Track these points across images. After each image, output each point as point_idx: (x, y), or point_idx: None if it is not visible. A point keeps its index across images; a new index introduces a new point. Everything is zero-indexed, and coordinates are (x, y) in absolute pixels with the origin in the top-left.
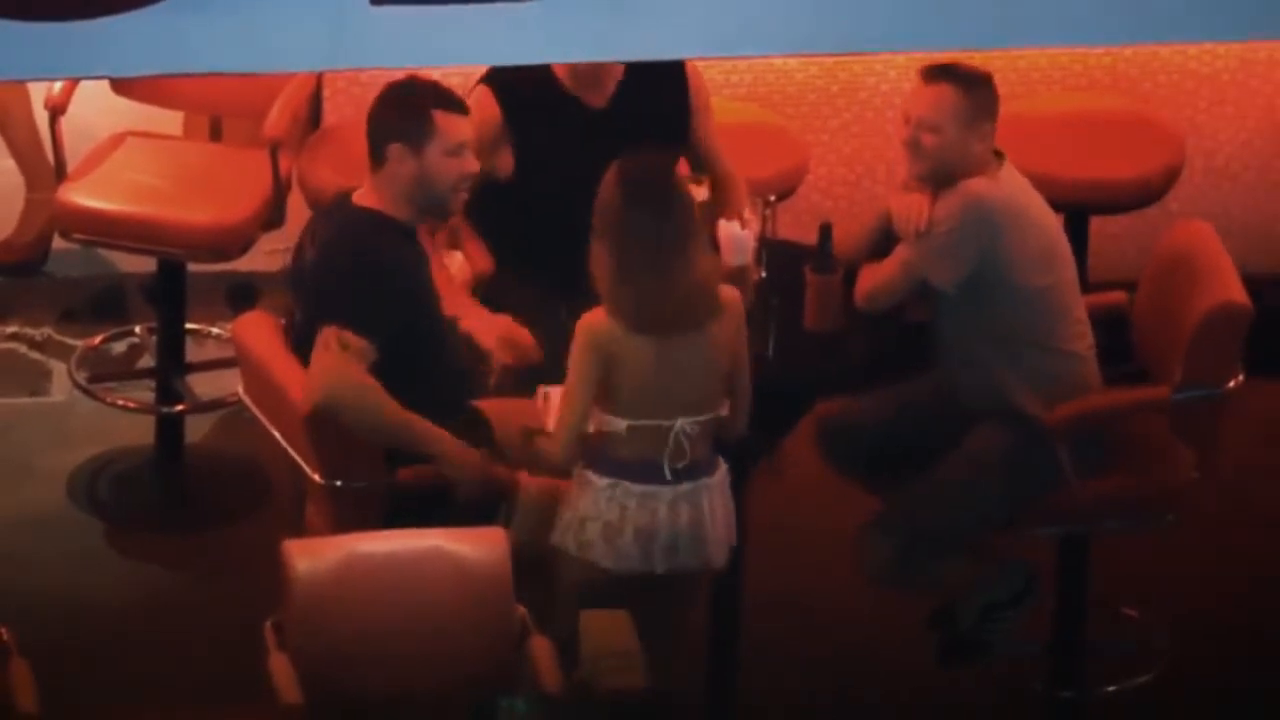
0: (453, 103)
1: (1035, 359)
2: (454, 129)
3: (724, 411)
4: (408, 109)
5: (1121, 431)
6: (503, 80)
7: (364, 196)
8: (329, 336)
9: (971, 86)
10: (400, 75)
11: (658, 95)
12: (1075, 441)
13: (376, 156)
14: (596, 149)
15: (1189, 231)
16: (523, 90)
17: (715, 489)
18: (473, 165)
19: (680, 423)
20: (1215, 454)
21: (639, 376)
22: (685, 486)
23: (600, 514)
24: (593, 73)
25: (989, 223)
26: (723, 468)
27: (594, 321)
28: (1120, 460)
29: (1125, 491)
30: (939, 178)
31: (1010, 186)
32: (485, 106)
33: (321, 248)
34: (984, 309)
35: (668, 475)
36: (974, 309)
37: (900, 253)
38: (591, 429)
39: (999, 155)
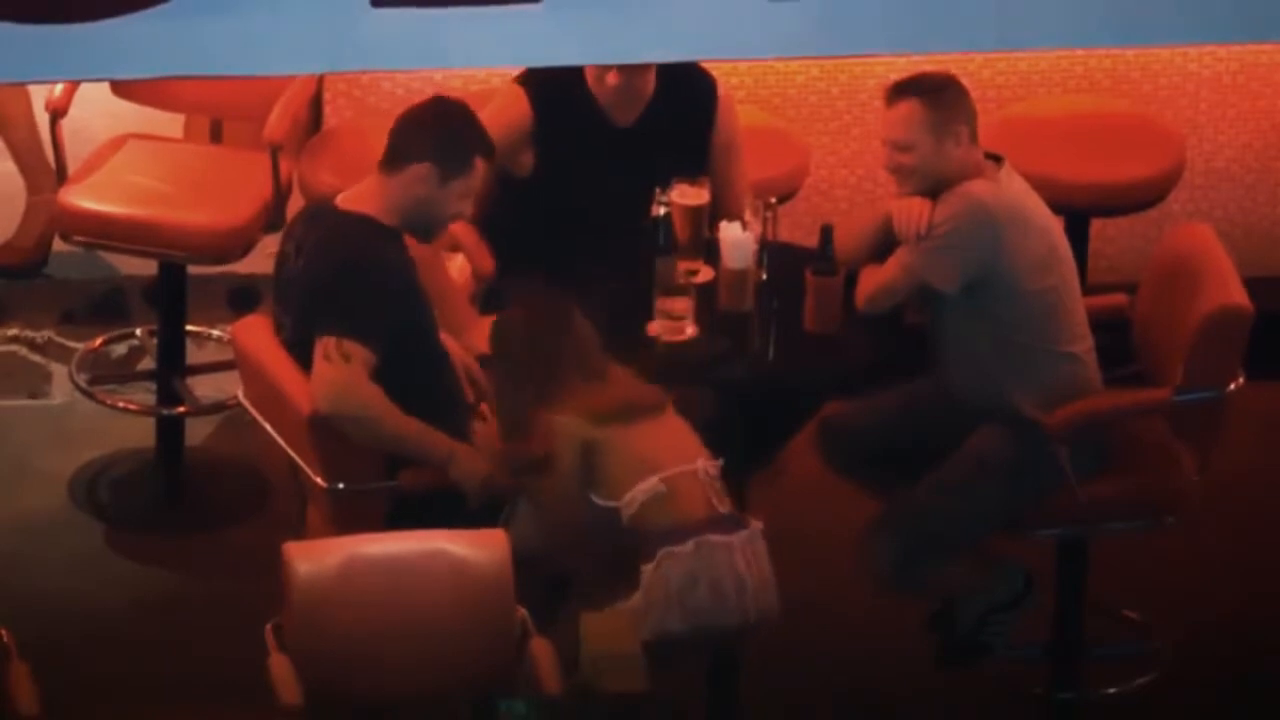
0: (490, 152)
1: (1035, 361)
2: (478, 177)
3: (719, 459)
4: (456, 140)
5: (1122, 433)
6: (537, 84)
7: (353, 200)
8: (329, 347)
9: (932, 94)
10: (398, 78)
11: (682, 122)
12: (1076, 443)
13: (398, 162)
14: (617, 166)
15: (1189, 233)
16: (555, 98)
17: (762, 539)
18: (470, 210)
19: (700, 464)
20: (1216, 456)
21: (637, 442)
22: (744, 534)
23: (700, 575)
24: (625, 91)
25: (989, 225)
26: (758, 523)
27: (561, 420)
28: (1121, 462)
29: (1126, 494)
30: (931, 190)
31: (1010, 189)
32: (517, 106)
33: (310, 255)
34: (984, 311)
35: (729, 522)
36: (974, 311)
37: (901, 255)
38: (630, 510)
39: (997, 159)
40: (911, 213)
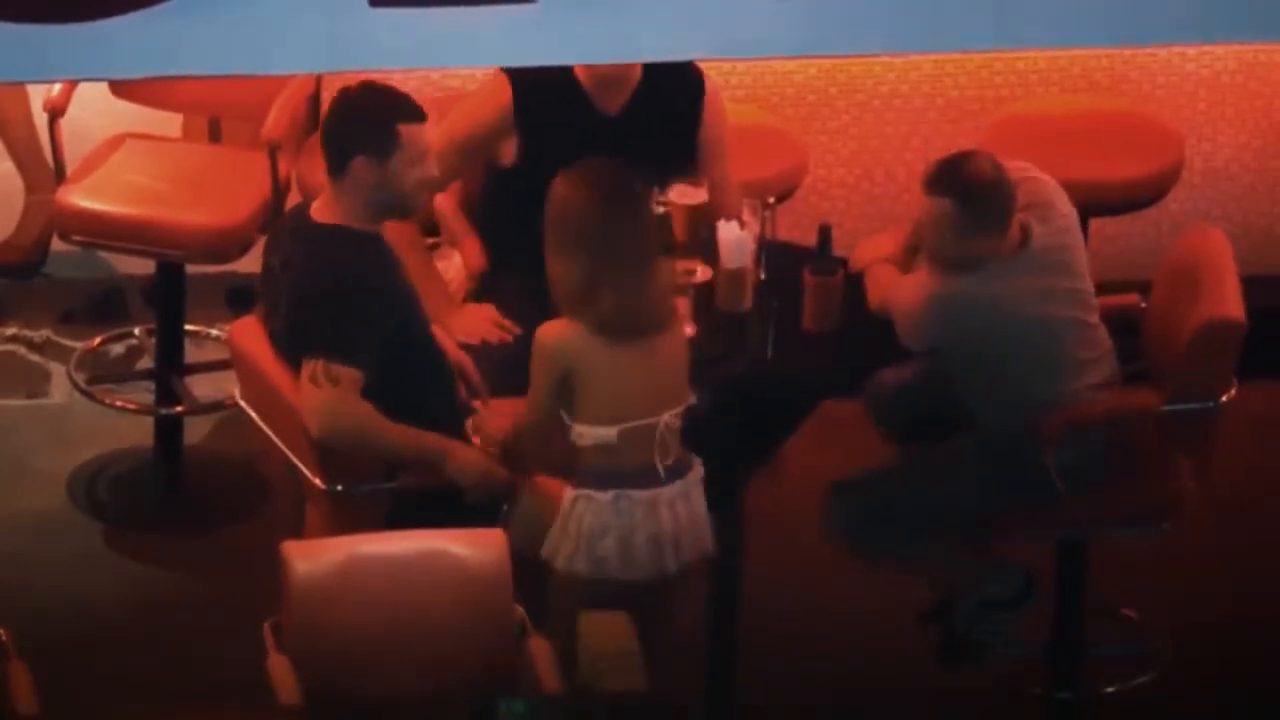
0: (414, 113)
1: (1021, 398)
2: (417, 139)
3: (693, 399)
4: (372, 122)
5: (1116, 440)
6: (521, 70)
7: (324, 210)
8: (316, 370)
9: (969, 201)
10: (396, 77)
11: (669, 115)
12: (1069, 450)
13: (338, 167)
14: (601, 153)
15: (1199, 238)
16: (539, 84)
17: (698, 482)
18: (433, 170)
19: (664, 418)
20: (1210, 464)
21: (618, 380)
22: (678, 485)
23: (610, 527)
24: (611, 77)
25: (950, 322)
26: (699, 461)
27: (555, 334)
28: (1115, 470)
29: (1120, 501)
30: (939, 265)
31: (996, 286)
32: (500, 93)
33: (294, 275)
34: (961, 364)
35: (662, 476)
36: (953, 360)
37: (905, 282)
38: (580, 442)
39: (1027, 235)
40: (864, 252)
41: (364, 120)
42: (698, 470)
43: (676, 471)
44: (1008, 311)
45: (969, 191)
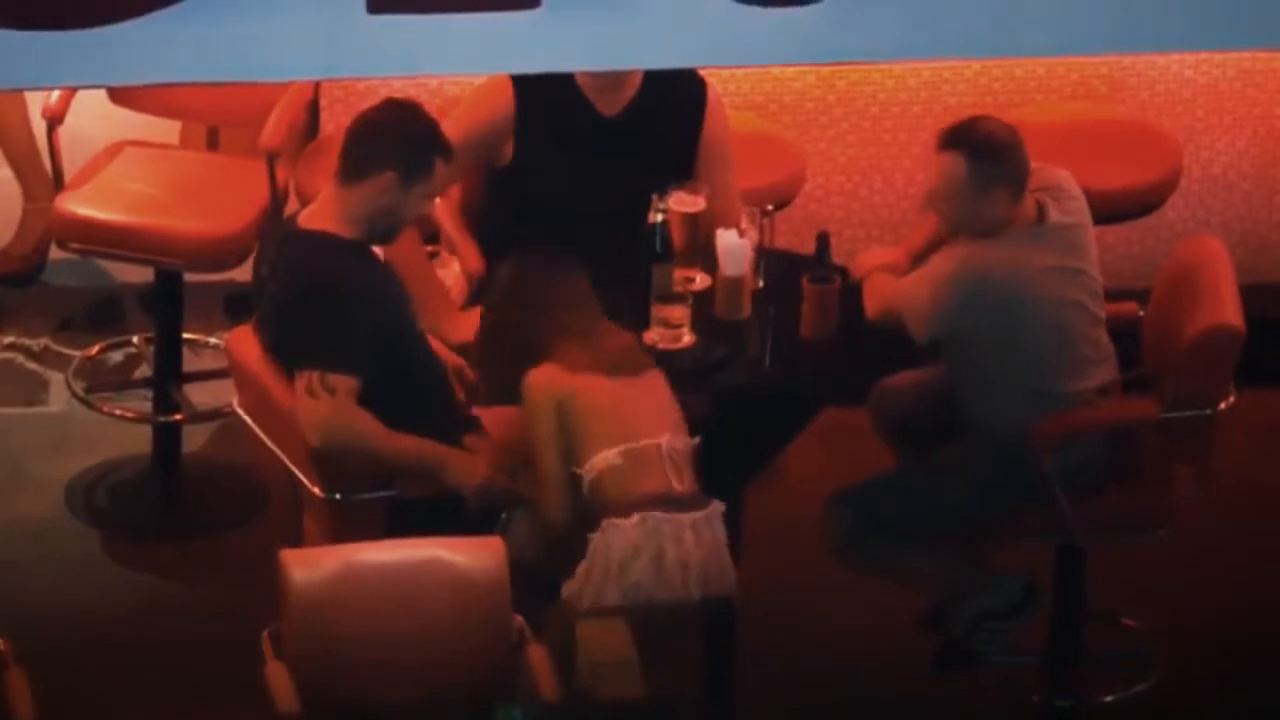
0: (450, 153)
1: (1023, 398)
2: (440, 178)
3: (694, 439)
4: (414, 147)
5: (1115, 447)
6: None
7: (314, 217)
8: (311, 382)
9: (981, 156)
10: (395, 84)
11: (670, 119)
12: (1067, 456)
13: (357, 173)
14: (599, 156)
15: (1197, 246)
16: (539, 85)
17: (720, 520)
18: (429, 209)
19: (665, 439)
20: (1209, 471)
21: (610, 405)
22: (700, 513)
23: (641, 549)
24: (611, 81)
25: (970, 293)
26: (718, 501)
27: (541, 375)
28: (1113, 476)
29: (1118, 508)
30: (956, 233)
31: (1014, 256)
32: (501, 94)
33: (280, 284)
34: (971, 354)
35: (682, 501)
36: (962, 350)
37: (902, 283)
38: (589, 477)
39: (1042, 212)
40: (865, 262)
41: (410, 140)
42: (718, 506)
43: (696, 502)
44: (1024, 282)
45: (979, 147)
